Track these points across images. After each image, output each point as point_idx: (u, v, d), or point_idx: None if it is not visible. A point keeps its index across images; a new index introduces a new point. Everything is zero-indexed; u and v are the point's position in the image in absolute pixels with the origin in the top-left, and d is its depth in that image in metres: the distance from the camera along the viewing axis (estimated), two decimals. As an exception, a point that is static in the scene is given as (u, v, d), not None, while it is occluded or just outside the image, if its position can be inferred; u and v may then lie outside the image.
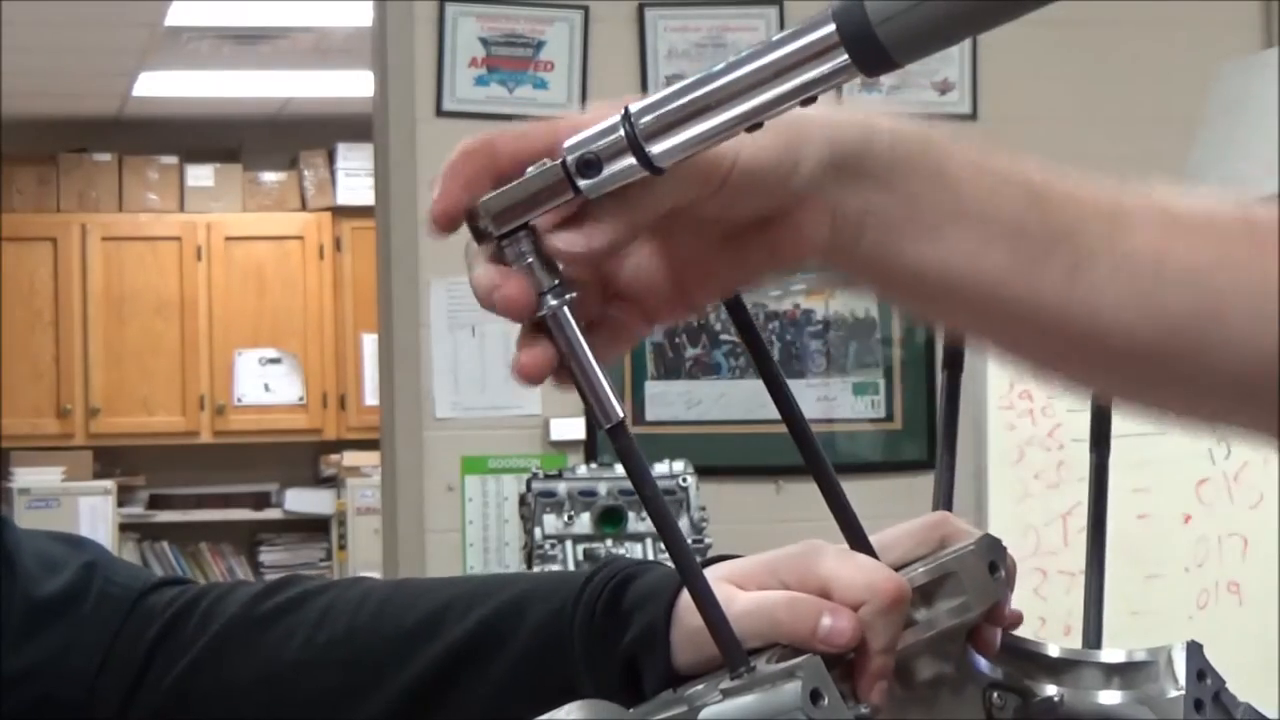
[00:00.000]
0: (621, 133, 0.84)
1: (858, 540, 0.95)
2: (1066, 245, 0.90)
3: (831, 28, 0.81)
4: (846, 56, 0.81)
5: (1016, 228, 0.90)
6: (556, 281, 0.86)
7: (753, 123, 0.84)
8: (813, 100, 0.84)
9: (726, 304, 0.94)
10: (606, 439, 0.86)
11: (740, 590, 0.96)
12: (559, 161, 0.85)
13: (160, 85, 8.35)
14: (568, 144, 0.85)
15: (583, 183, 0.85)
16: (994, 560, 0.95)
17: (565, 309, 0.86)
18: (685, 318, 0.92)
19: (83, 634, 1.21)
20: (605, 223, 0.86)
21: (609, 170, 0.85)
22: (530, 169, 0.86)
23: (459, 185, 0.87)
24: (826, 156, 0.88)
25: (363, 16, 5.37)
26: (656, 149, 0.84)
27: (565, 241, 0.86)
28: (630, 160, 0.85)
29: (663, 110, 0.84)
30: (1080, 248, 0.90)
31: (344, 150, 8.86)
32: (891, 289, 0.92)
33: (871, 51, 0.80)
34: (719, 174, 0.87)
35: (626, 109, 0.85)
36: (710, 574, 0.93)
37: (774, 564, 0.97)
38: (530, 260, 0.86)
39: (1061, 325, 0.90)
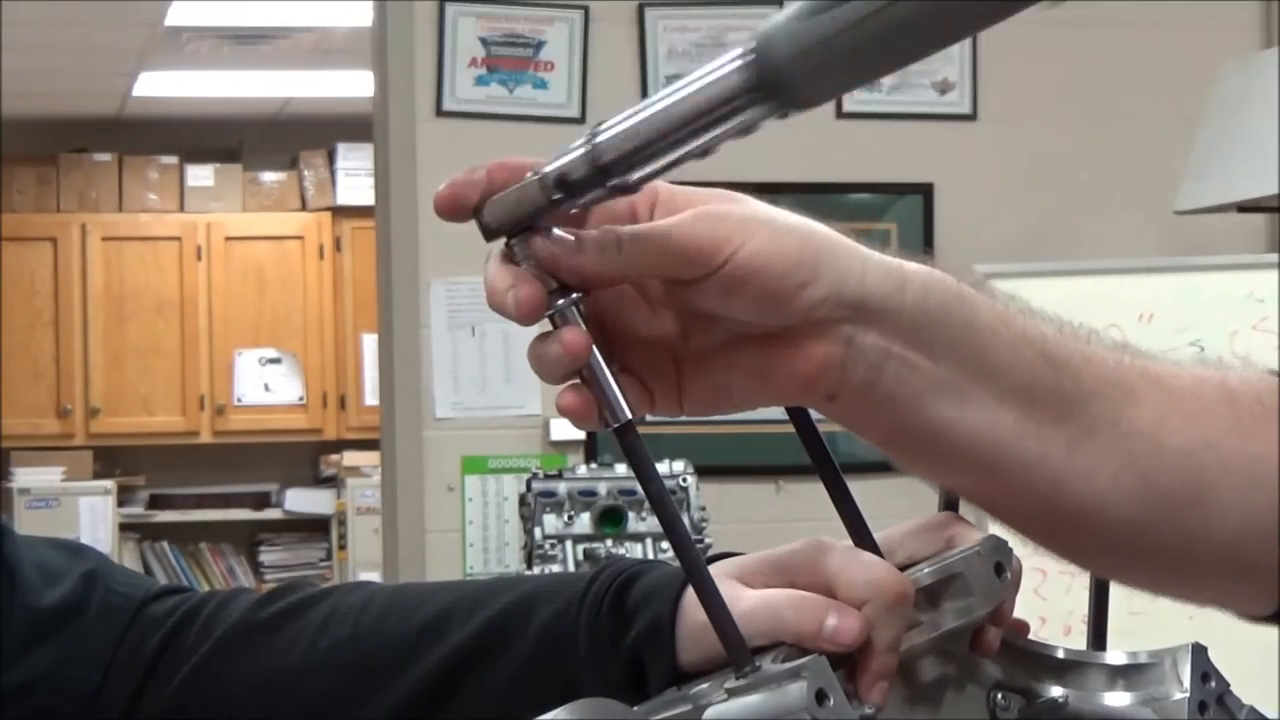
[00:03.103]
0: (584, 154, 0.85)
1: (863, 539, 0.95)
2: (1074, 414, 0.91)
3: (744, 71, 0.79)
4: (762, 100, 0.80)
5: (1031, 391, 0.90)
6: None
7: (699, 153, 0.84)
8: (751, 130, 0.83)
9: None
10: (612, 438, 0.87)
11: (746, 588, 0.96)
12: (539, 175, 0.87)
13: (160, 85, 8.35)
14: (554, 156, 0.87)
15: (557, 196, 0.86)
16: (1000, 562, 0.95)
17: (574, 309, 0.87)
18: (677, 413, 0.91)
19: (84, 645, 1.22)
20: (596, 253, 0.87)
21: (579, 187, 0.86)
22: (529, 174, 0.87)
23: (477, 180, 0.88)
24: (847, 291, 0.87)
25: (363, 16, 5.37)
26: (617, 169, 0.85)
27: (555, 248, 0.87)
28: (599, 179, 0.85)
29: (619, 134, 0.85)
30: (1086, 419, 0.91)
31: (344, 150, 8.86)
32: (899, 442, 0.92)
33: (785, 95, 0.79)
34: (715, 256, 0.86)
35: (595, 127, 0.85)
36: (715, 571, 0.93)
37: (779, 562, 0.97)
38: (536, 262, 0.87)
39: (1058, 494, 0.92)
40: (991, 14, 0.76)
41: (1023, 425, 0.90)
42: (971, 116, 4.83)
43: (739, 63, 0.80)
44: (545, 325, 0.89)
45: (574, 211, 0.88)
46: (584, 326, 0.87)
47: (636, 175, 0.85)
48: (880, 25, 0.75)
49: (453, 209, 0.88)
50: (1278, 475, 0.94)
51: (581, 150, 0.85)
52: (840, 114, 4.74)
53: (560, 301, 0.87)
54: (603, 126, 0.85)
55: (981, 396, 0.90)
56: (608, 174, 0.85)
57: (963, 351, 0.89)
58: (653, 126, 0.83)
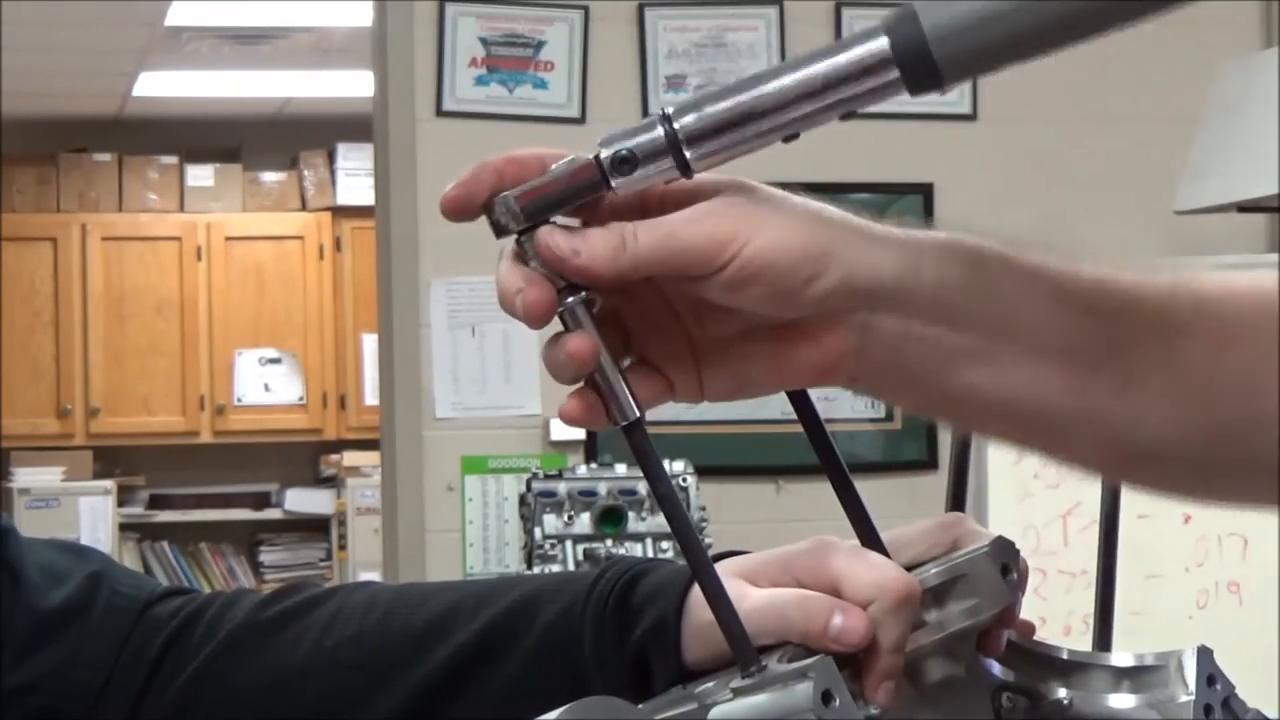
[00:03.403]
0: (660, 132, 0.84)
1: (870, 539, 0.95)
2: (1119, 360, 0.90)
3: (885, 43, 0.80)
4: (896, 74, 0.80)
5: (1069, 345, 0.89)
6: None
7: (789, 133, 0.84)
8: (852, 115, 0.83)
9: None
10: (620, 437, 0.87)
11: (752, 587, 0.96)
12: (593, 156, 0.86)
13: (160, 85, 8.35)
14: (603, 139, 0.86)
15: (616, 180, 0.85)
16: (1007, 563, 0.95)
17: (583, 307, 0.87)
18: (698, 400, 0.90)
19: (89, 645, 1.21)
20: (603, 251, 0.86)
21: (643, 169, 0.85)
22: (558, 164, 0.86)
23: (486, 177, 0.87)
24: (858, 280, 0.87)
25: (363, 16, 5.37)
26: (693, 152, 0.84)
27: (560, 249, 0.86)
28: (666, 161, 0.85)
29: (703, 113, 0.84)
30: (1132, 363, 0.90)
31: (344, 150, 8.86)
32: (935, 409, 0.92)
33: (923, 71, 0.79)
34: (722, 253, 0.86)
35: (664, 110, 0.85)
36: (721, 570, 0.93)
37: (786, 560, 0.97)
38: (542, 261, 0.87)
39: (1112, 439, 0.91)
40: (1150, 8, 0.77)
41: (1065, 380, 0.89)
42: (971, 116, 4.83)
43: (875, 46, 0.80)
44: (558, 324, 0.88)
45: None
46: (593, 326, 0.87)
47: (708, 156, 0.84)
48: (1029, 14, 0.75)
49: (460, 210, 0.87)
50: None
51: (656, 125, 0.85)
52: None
53: (570, 300, 0.87)
54: (680, 108, 0.84)
55: (1015, 358, 0.89)
56: (680, 152, 0.84)
57: (988, 318, 0.88)
58: (753, 100, 0.83)
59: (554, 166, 0.86)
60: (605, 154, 0.85)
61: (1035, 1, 0.75)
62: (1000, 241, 0.91)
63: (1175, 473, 0.94)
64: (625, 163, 0.85)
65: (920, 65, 0.79)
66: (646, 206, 0.89)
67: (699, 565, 0.86)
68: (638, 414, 0.87)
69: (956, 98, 4.81)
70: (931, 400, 0.91)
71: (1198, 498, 0.97)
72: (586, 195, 0.86)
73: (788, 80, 0.83)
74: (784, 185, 0.89)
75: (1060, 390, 0.89)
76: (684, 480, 3.63)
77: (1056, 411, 0.90)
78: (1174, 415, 0.91)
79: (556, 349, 0.87)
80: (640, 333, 0.90)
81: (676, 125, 0.84)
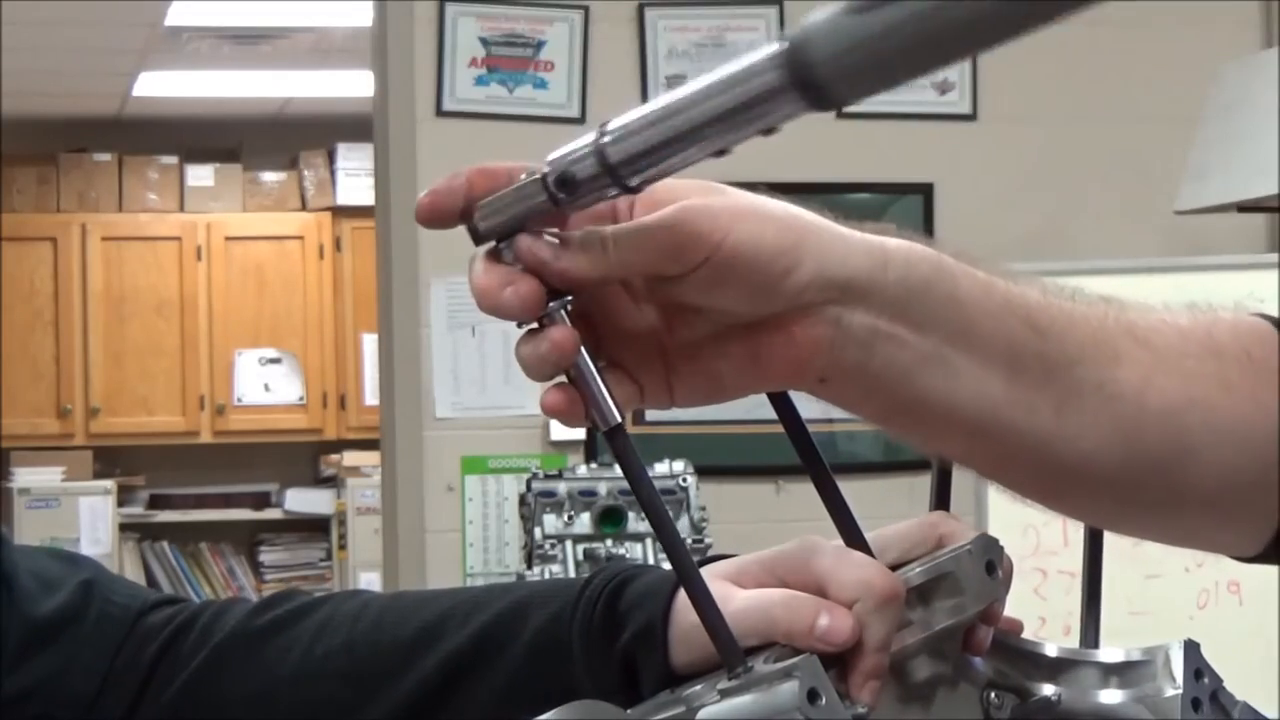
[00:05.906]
0: (594, 160, 0.84)
1: (854, 538, 0.95)
2: (1060, 379, 0.92)
3: (776, 70, 0.78)
4: (800, 100, 0.79)
5: (1016, 358, 0.91)
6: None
7: (716, 151, 0.83)
8: (773, 130, 0.82)
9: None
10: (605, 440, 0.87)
11: (737, 588, 0.96)
12: (540, 175, 0.86)
13: (160, 85, 8.35)
14: (549, 158, 0.86)
15: (561, 196, 0.85)
16: (991, 560, 0.95)
17: (562, 312, 0.87)
18: (667, 406, 0.90)
19: (83, 653, 1.21)
20: (582, 255, 0.87)
21: (585, 188, 0.85)
22: (522, 176, 0.87)
23: (458, 187, 0.88)
24: (831, 272, 0.87)
25: (363, 16, 5.37)
26: (628, 171, 0.84)
27: (542, 252, 0.87)
28: (606, 180, 0.84)
29: (631, 133, 0.84)
30: (1071, 383, 0.92)
31: (344, 150, 8.87)
32: (892, 414, 0.92)
33: (820, 96, 0.78)
34: (700, 249, 0.86)
35: (602, 127, 0.85)
36: (707, 572, 0.93)
37: (771, 561, 0.97)
38: (524, 265, 0.87)
39: (1048, 455, 0.92)
40: (1043, 15, 0.76)
41: (1011, 392, 0.91)
42: (971, 116, 4.83)
43: (771, 61, 0.78)
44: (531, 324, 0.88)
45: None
46: (571, 327, 0.87)
47: (645, 176, 0.84)
48: (924, 28, 0.73)
49: (431, 217, 0.88)
50: (1266, 431, 0.95)
51: (590, 150, 0.84)
52: (840, 114, 4.74)
53: (551, 305, 0.87)
54: (611, 126, 0.84)
55: (969, 366, 0.90)
56: (616, 174, 0.84)
57: (947, 323, 0.90)
58: (672, 127, 0.82)
59: (521, 178, 0.87)
60: (550, 173, 0.85)
61: (926, 16, 0.73)
62: (954, 253, 0.92)
63: (1104, 499, 0.96)
64: (566, 182, 0.85)
65: (816, 92, 0.78)
66: (618, 211, 0.90)
67: (683, 567, 0.86)
68: (619, 419, 0.87)
69: (956, 98, 4.81)
70: (890, 407, 0.91)
71: (1125, 528, 0.99)
72: (537, 209, 0.86)
73: (700, 110, 0.81)
74: (781, 185, 0.89)
75: (1007, 401, 0.91)
76: (684, 480, 3.63)
77: (1001, 421, 0.91)
78: (1107, 438, 0.92)
79: (536, 343, 0.87)
80: (608, 337, 0.91)
81: (609, 144, 0.84)
